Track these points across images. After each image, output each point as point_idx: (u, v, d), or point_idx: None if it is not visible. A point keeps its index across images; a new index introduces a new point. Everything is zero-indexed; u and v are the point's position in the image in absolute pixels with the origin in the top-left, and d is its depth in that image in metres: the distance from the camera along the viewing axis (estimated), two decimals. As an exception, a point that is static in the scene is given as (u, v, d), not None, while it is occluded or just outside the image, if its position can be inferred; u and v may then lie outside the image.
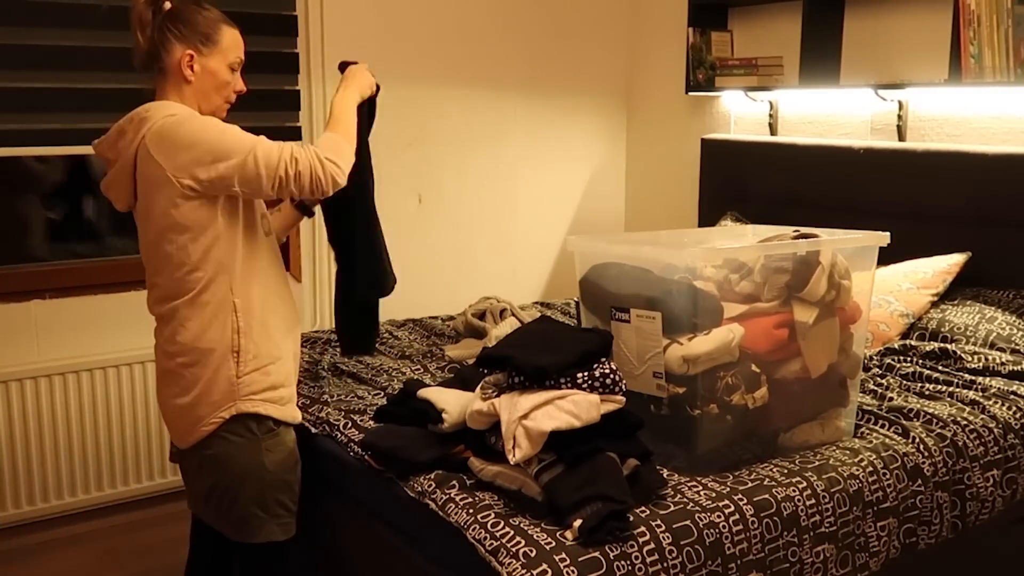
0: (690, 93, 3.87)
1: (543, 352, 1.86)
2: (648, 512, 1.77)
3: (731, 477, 1.95)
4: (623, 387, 1.86)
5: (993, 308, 2.76)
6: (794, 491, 1.91)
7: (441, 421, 2.00)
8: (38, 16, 3.00)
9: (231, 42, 2.04)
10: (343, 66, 2.27)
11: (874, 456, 2.08)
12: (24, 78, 3.00)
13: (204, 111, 2.03)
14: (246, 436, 2.02)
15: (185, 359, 1.99)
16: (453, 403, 2.01)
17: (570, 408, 1.76)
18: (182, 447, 2.08)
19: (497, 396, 1.85)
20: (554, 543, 1.65)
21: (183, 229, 1.94)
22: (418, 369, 2.71)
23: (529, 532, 1.68)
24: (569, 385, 1.81)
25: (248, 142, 1.92)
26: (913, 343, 2.74)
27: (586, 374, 1.83)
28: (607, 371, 1.84)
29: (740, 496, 1.86)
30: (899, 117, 3.29)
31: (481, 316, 3.05)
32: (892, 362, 2.68)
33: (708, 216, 3.85)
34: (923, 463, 2.11)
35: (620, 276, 2.13)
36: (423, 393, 2.09)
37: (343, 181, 2.01)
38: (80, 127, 3.11)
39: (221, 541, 2.19)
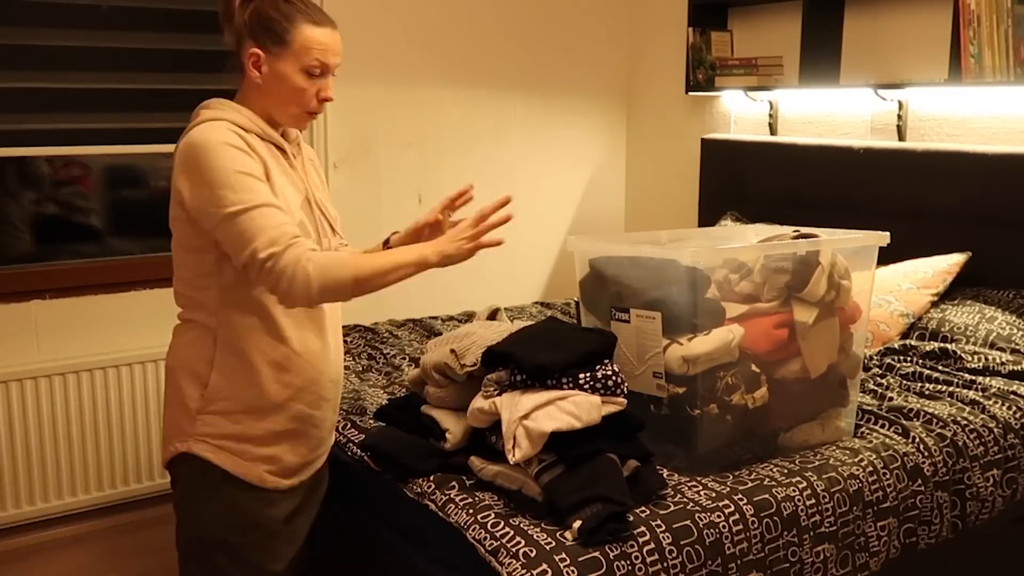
0: (690, 93, 3.87)
1: (546, 350, 1.86)
2: (648, 512, 1.77)
3: (731, 477, 1.95)
4: (625, 389, 1.86)
5: (993, 308, 2.76)
6: (794, 491, 1.91)
7: (444, 440, 1.98)
8: (38, 16, 3.00)
9: (308, 42, 1.73)
10: None
11: (874, 456, 2.08)
12: (24, 78, 3.00)
13: (280, 120, 1.81)
14: (193, 480, 1.81)
15: (167, 373, 1.86)
16: (455, 425, 2.00)
17: (571, 409, 1.76)
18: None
19: (499, 394, 1.85)
20: (554, 543, 1.65)
21: (178, 238, 1.77)
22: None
23: (529, 532, 1.68)
24: (571, 386, 1.81)
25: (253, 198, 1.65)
26: (913, 343, 2.74)
27: (588, 375, 1.82)
28: (609, 372, 1.84)
29: (740, 496, 1.86)
30: (899, 117, 3.29)
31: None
32: (892, 362, 2.68)
33: (708, 216, 3.84)
34: (923, 463, 2.11)
35: (620, 275, 2.13)
36: (427, 411, 2.06)
37: (304, 303, 1.70)
38: (80, 127, 3.11)
39: None
